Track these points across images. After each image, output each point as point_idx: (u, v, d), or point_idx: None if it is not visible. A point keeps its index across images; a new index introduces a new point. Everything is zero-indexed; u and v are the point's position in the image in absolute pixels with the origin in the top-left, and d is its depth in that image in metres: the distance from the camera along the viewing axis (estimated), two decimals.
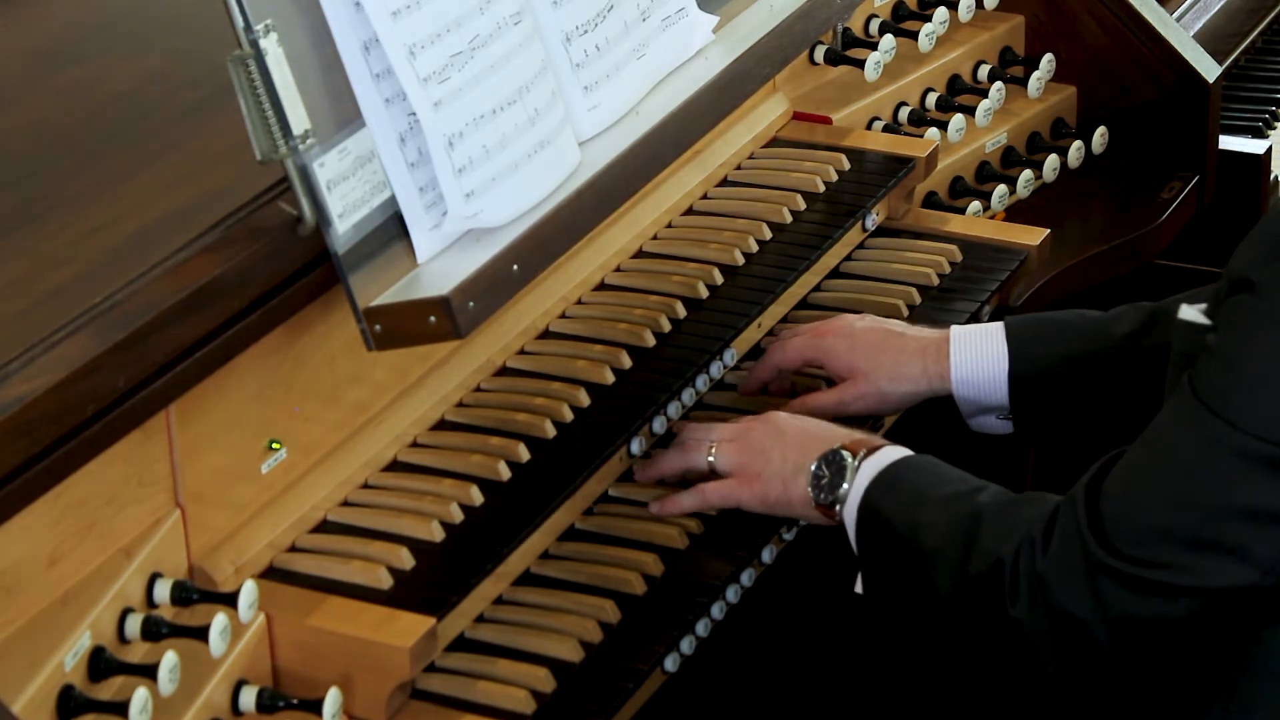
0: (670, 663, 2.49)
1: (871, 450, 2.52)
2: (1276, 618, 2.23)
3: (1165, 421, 2.24)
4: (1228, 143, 3.78)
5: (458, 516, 2.52)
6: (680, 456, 2.64)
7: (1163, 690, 2.35)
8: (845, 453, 2.52)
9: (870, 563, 2.48)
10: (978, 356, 2.71)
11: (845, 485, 2.50)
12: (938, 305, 3.09)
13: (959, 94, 3.61)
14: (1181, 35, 3.74)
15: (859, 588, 2.51)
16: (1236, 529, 2.16)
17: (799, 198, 3.17)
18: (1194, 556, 2.18)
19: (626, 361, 2.78)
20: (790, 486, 2.56)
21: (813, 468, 2.54)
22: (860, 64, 3.39)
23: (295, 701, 2.30)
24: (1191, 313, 2.26)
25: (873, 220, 3.22)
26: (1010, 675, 2.39)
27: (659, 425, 2.72)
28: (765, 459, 2.58)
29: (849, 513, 2.49)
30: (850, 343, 2.77)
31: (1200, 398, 2.17)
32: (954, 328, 2.75)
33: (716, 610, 2.56)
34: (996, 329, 2.72)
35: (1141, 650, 2.26)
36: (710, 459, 2.62)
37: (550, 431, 2.65)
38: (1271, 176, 3.79)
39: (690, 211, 3.15)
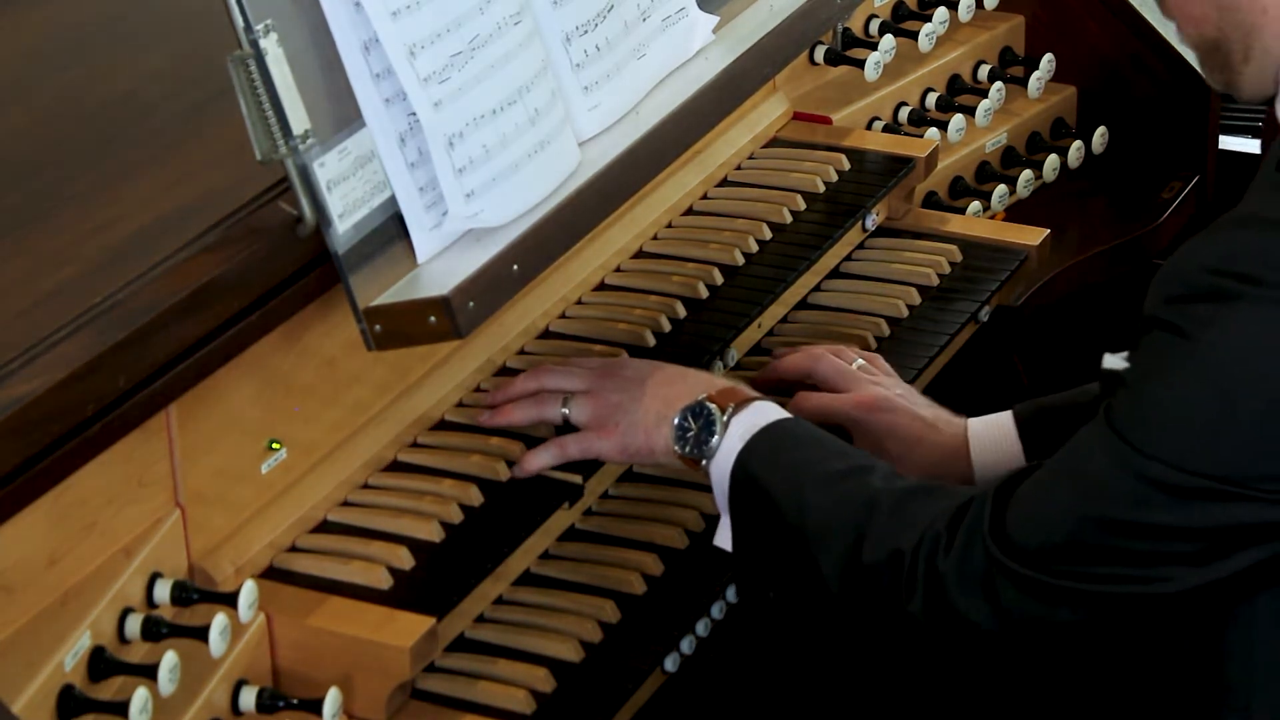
0: (670, 663, 2.49)
1: (740, 404, 2.51)
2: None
3: (1079, 443, 2.29)
4: (1228, 143, 3.79)
5: (458, 516, 2.52)
6: (533, 408, 2.62)
7: (1165, 697, 2.38)
8: (712, 405, 2.51)
9: (745, 528, 2.47)
10: (996, 454, 2.71)
11: (714, 440, 2.49)
12: (938, 305, 3.09)
13: (959, 94, 3.61)
14: None
15: (724, 544, 2.49)
16: (1137, 543, 2.22)
17: (799, 198, 3.17)
18: (1094, 566, 2.24)
19: None
20: (652, 436, 2.55)
21: (676, 420, 2.53)
22: (860, 64, 3.39)
23: (295, 701, 2.30)
24: (1114, 361, 2.32)
25: (873, 220, 3.22)
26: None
27: None
28: (623, 410, 2.57)
29: (718, 470, 2.49)
30: (889, 423, 2.72)
31: (1112, 423, 2.23)
32: (970, 424, 2.73)
33: (717, 610, 2.56)
34: (1006, 422, 2.72)
35: (1042, 650, 2.33)
36: (565, 411, 2.61)
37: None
38: None
39: (690, 211, 3.15)
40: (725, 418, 2.50)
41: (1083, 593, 2.25)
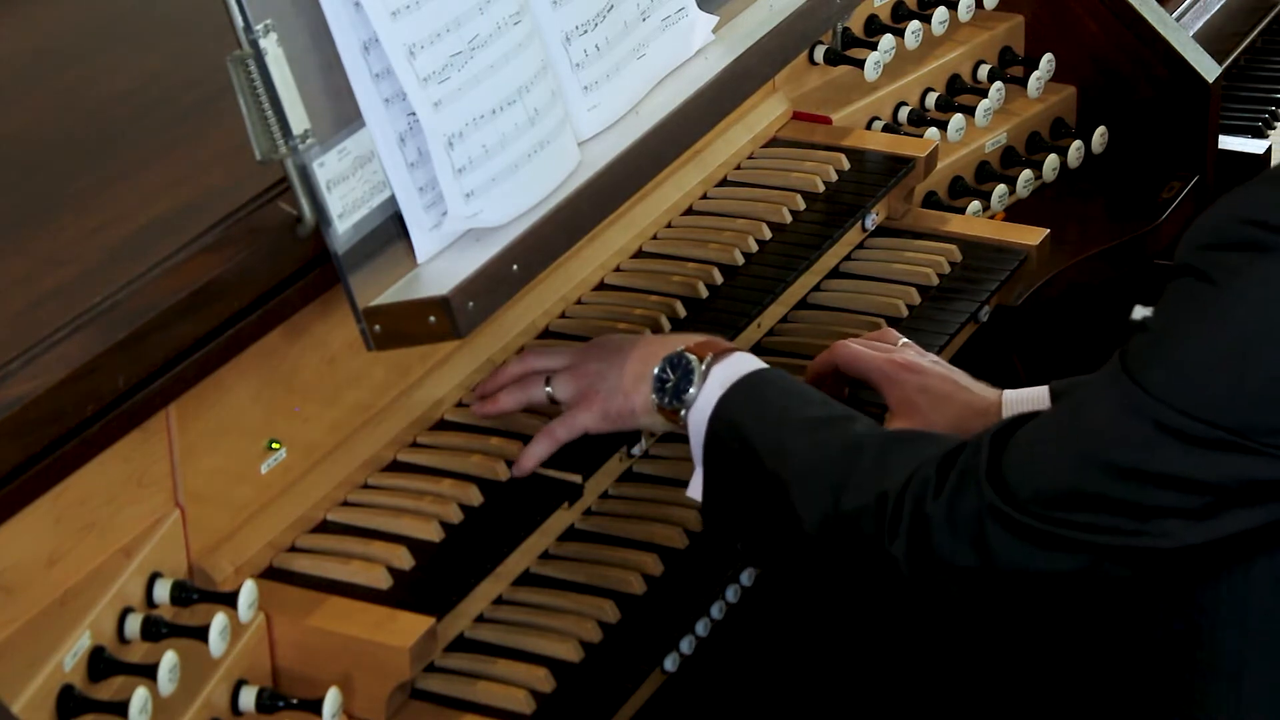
0: (670, 663, 2.49)
1: (719, 354, 2.51)
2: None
3: (1089, 386, 2.26)
4: (1228, 143, 3.78)
5: (457, 516, 2.52)
6: (519, 392, 2.64)
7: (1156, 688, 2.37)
8: (691, 355, 2.51)
9: (719, 475, 2.46)
10: None
11: (693, 390, 2.49)
12: (937, 305, 3.09)
13: (959, 94, 3.61)
14: (1181, 35, 3.74)
15: (695, 494, 2.49)
16: (1140, 492, 2.18)
17: (799, 198, 3.17)
18: (1093, 514, 2.20)
19: None
20: (632, 395, 2.56)
21: (655, 370, 2.53)
22: (860, 64, 3.39)
23: (295, 701, 2.30)
24: (1142, 312, 2.30)
25: (872, 220, 3.22)
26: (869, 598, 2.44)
27: None
28: (602, 377, 2.58)
29: (696, 418, 2.48)
30: (920, 382, 2.73)
31: (1126, 367, 2.20)
32: (1006, 393, 2.72)
33: (716, 610, 2.56)
34: (1043, 395, 2.70)
35: (1024, 605, 2.30)
36: (548, 390, 2.62)
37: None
38: None
39: (690, 211, 3.15)
40: (704, 367, 2.50)
41: (1077, 542, 2.20)
